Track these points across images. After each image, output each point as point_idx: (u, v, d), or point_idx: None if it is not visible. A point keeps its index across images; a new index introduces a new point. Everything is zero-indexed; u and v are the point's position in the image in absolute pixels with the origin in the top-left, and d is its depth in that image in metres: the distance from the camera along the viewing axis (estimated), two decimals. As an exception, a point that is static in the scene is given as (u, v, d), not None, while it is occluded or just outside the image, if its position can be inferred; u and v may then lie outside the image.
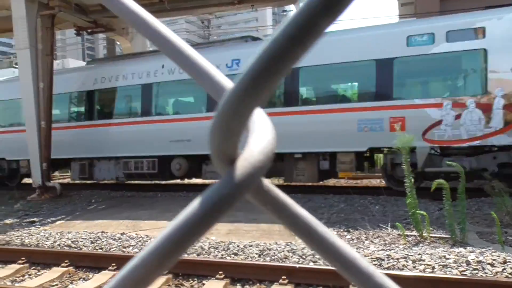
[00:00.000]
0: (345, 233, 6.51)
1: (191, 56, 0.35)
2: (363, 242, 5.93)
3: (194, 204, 0.28)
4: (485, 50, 8.39)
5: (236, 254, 5.52)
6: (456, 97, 8.68)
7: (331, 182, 13.31)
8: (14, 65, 24.83)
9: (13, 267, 5.52)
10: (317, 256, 5.19)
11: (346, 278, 0.35)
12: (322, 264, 4.86)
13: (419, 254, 5.02)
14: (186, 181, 12.87)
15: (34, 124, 11.48)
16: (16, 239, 6.97)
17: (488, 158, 8.68)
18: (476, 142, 8.48)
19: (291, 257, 5.27)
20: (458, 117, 8.52)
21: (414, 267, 4.70)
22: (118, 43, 17.46)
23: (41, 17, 11.91)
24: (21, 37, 11.60)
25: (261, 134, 0.28)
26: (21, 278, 5.28)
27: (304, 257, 5.23)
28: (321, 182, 11.57)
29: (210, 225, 0.27)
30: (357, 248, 5.45)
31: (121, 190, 12.22)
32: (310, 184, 12.18)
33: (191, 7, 13.95)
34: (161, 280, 4.76)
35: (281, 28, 0.24)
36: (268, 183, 0.30)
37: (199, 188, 12.33)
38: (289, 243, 5.80)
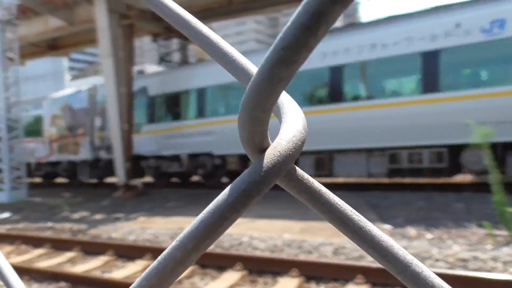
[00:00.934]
0: (425, 232, 6.17)
1: (229, 52, 0.37)
2: (445, 242, 5.58)
3: (225, 191, 0.28)
4: None
5: (310, 252, 5.48)
6: None
7: (408, 179, 12.72)
8: (99, 73, 26.97)
9: (102, 258, 5.99)
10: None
11: (383, 266, 0.34)
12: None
13: (510, 255, 4.62)
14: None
15: (118, 126, 12.33)
16: (104, 233, 7.54)
17: None
18: None
19: (367, 256, 5.11)
20: None
21: (505, 269, 4.33)
22: (190, 47, 18.15)
23: (122, 27, 12.77)
24: (104, 47, 12.53)
25: (291, 124, 0.29)
26: (109, 269, 5.70)
27: (380, 256, 5.05)
28: (397, 179, 11.09)
29: (240, 212, 0.28)
30: (439, 248, 5.15)
31: (196, 188, 12.71)
32: (387, 181, 11.74)
33: (259, 7, 14.10)
34: (236, 275, 4.87)
35: (293, 17, 0.24)
36: (301, 171, 0.31)
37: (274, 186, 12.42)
38: (364, 242, 5.63)
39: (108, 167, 14.59)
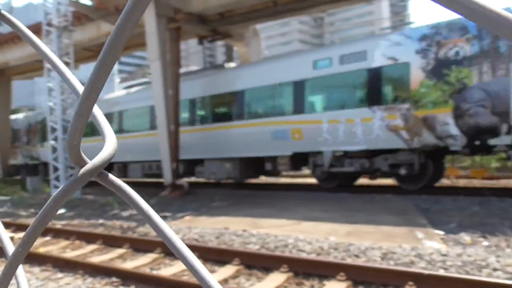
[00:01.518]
0: (481, 239, 5.86)
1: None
2: (504, 250, 5.27)
3: (61, 186, 0.44)
4: None
5: (357, 256, 5.35)
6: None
7: (462, 182, 12.16)
8: (146, 75, 27.86)
9: (151, 256, 6.16)
10: (449, 263, 4.76)
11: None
12: (455, 273, 4.44)
13: None
14: (303, 180, 12.94)
15: (165, 127, 12.66)
16: (152, 231, 7.75)
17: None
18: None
19: (418, 262, 4.92)
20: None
21: None
22: (236, 48, 18.34)
23: (169, 30, 13.11)
24: (152, 50, 12.92)
25: (106, 148, 0.43)
26: (158, 266, 5.85)
27: (432, 263, 4.85)
28: (451, 183, 10.66)
29: (67, 195, 0.43)
30: (496, 257, 4.86)
31: (241, 189, 12.80)
32: (438, 184, 11.32)
33: (305, 7, 13.99)
34: (282, 277, 4.84)
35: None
36: (112, 176, 0.44)
37: (312, 188, 12.30)
38: (415, 247, 5.43)
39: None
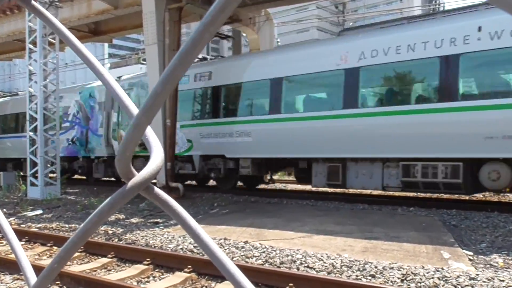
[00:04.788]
0: (517, 263, 5.85)
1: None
2: (543, 277, 5.26)
3: (108, 198, 0.47)
4: None
5: (373, 276, 5.37)
6: None
7: (496, 197, 12.11)
8: (142, 61, 27.98)
9: (139, 267, 6.21)
10: (478, 289, 4.77)
11: None
12: (485, 299, 4.45)
13: None
14: (313, 188, 12.96)
15: (160, 122, 12.73)
16: (141, 239, 7.83)
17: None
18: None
19: (443, 286, 4.93)
20: None
21: None
22: (244, 34, 18.38)
23: (169, 10, 13.17)
24: (149, 32, 12.98)
25: (153, 160, 0.47)
26: (146, 279, 5.90)
27: (459, 287, 4.86)
28: (481, 197, 10.60)
29: (116, 206, 0.47)
30: (533, 284, 4.86)
31: (244, 195, 12.83)
32: (467, 197, 11.30)
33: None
34: (287, 297, 4.88)
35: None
36: (158, 190, 0.48)
37: (326, 197, 12.31)
38: (439, 269, 5.44)
39: None
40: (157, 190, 0.48)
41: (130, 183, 0.45)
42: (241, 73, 13.30)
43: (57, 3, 14.38)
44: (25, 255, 0.62)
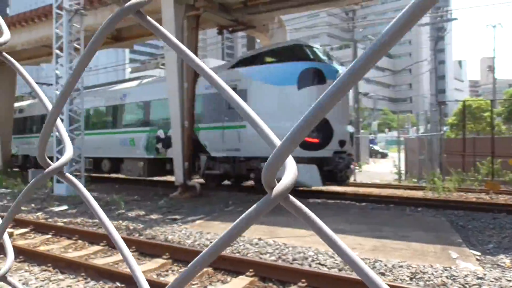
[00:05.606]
0: (523, 264, 5.75)
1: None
2: (549, 277, 5.16)
3: (257, 203, 0.46)
4: None
5: (383, 274, 5.32)
6: None
7: (502, 198, 11.93)
8: (161, 66, 28.17)
9: (158, 261, 6.24)
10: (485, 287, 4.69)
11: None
12: (492, 298, 4.37)
13: None
14: (325, 188, 12.90)
15: (179, 123, 12.78)
16: (160, 234, 7.86)
17: None
18: None
19: (451, 284, 4.86)
20: None
21: None
22: (258, 40, 18.39)
23: (187, 18, 13.23)
24: (168, 39, 13.02)
25: (288, 173, 0.47)
26: (165, 273, 5.92)
27: (467, 286, 4.79)
28: (489, 199, 10.46)
29: (261, 213, 0.46)
30: (540, 284, 4.77)
31: (259, 194, 12.81)
32: (475, 200, 11.17)
33: (337, -2, 13.95)
34: (300, 292, 4.85)
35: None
36: (293, 199, 0.48)
37: (336, 196, 12.24)
38: (447, 268, 5.37)
39: None
40: (292, 199, 0.47)
41: (275, 191, 0.45)
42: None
43: (82, 11, 14.54)
44: (139, 269, 0.62)
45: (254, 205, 0.46)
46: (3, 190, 15.28)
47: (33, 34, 19.13)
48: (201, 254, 0.49)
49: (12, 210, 0.59)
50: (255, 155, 12.11)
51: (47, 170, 0.54)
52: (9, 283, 0.78)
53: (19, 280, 5.48)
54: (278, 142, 0.46)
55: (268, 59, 13.10)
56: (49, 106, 0.65)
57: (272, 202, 0.45)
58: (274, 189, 0.45)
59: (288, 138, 0.43)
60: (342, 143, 11.81)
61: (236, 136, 12.41)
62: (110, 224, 0.51)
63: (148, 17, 0.58)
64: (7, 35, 0.84)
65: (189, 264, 0.49)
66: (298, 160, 10.01)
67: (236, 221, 0.47)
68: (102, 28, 0.56)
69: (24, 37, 19.78)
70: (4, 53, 0.85)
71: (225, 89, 0.52)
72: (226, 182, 15.07)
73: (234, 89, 11.74)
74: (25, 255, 6.52)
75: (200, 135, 13.52)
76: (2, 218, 0.73)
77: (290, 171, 0.46)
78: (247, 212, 0.47)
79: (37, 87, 0.79)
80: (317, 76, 11.67)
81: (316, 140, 11.15)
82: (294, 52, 12.40)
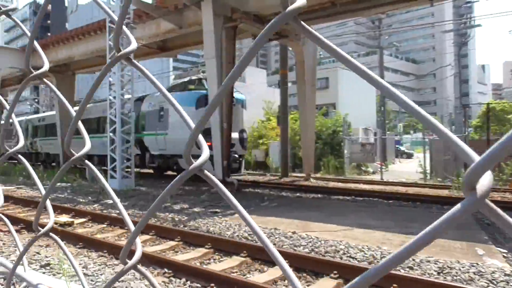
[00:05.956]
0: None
1: None
2: None
3: (452, 209, 0.40)
4: None
5: (411, 268, 5.19)
6: None
7: (527, 198, 11.40)
8: (202, 73, 28.46)
9: (201, 250, 6.31)
10: (513, 284, 4.50)
11: None
12: (520, 294, 4.19)
13: None
14: (354, 186, 12.72)
15: (218, 125, 12.90)
16: (203, 226, 7.95)
17: None
18: None
19: (478, 280, 4.69)
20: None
21: None
22: (290, 48, 18.32)
23: (226, 29, 13.33)
24: (209, 48, 13.20)
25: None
26: (207, 261, 5.98)
27: (495, 282, 4.60)
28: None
29: (454, 222, 0.40)
30: None
31: (291, 191, 12.78)
32: (499, 198, 10.73)
33: (364, 8, 13.72)
34: (332, 283, 4.80)
35: None
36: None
37: (365, 193, 12.02)
38: (474, 264, 5.18)
39: None
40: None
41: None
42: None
43: (132, 24, 14.90)
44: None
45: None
46: (63, 184, 15.84)
47: (89, 46, 19.78)
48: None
49: (156, 205, 0.70)
50: (175, 153, 16.51)
51: (190, 167, 0.62)
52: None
53: (80, 264, 5.66)
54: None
55: (179, 87, 17.54)
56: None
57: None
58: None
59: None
60: (231, 145, 14.65)
61: (163, 140, 16.77)
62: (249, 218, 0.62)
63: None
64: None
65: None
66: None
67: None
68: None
69: (82, 49, 20.49)
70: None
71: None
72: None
73: (162, 108, 17.01)
74: (84, 242, 6.74)
75: (145, 139, 17.83)
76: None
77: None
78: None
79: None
80: (206, 100, 15.43)
81: (209, 143, 13.21)
82: (195, 84, 17.00)
